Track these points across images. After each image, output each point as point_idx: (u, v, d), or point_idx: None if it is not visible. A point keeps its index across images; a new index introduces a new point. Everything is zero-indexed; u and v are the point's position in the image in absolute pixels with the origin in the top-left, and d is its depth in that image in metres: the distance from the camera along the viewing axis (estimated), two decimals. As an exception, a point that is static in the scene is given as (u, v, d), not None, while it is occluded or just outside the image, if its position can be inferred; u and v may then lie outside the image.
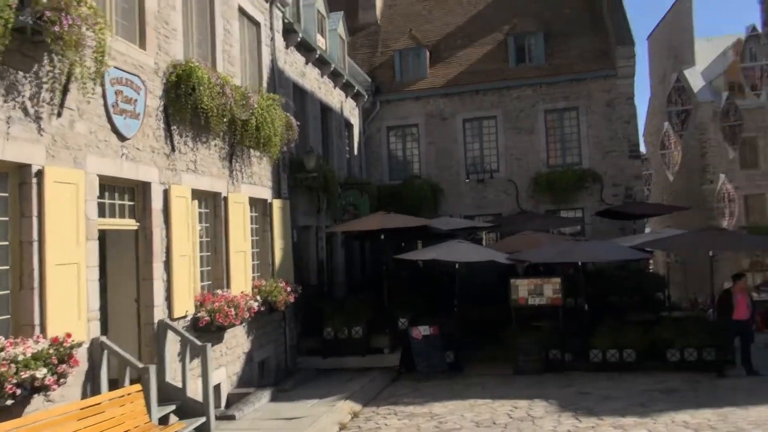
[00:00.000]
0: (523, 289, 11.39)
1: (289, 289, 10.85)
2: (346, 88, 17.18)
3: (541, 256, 11.09)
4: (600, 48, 18.64)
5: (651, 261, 23.84)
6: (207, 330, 8.56)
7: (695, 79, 31.44)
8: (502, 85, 18.60)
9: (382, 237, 12.23)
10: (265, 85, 11.36)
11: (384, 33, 21.62)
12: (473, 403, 9.07)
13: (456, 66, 19.59)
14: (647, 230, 21.51)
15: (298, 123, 11.49)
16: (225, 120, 8.96)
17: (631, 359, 10.74)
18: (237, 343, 9.79)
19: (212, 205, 9.52)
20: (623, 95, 17.83)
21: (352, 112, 18.10)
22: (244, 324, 9.62)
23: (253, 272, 10.65)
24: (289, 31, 12.41)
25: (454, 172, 18.92)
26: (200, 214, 9.24)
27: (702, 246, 10.93)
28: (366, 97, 18.70)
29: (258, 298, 9.94)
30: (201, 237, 9.20)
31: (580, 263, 11.63)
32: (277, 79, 11.92)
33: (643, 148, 34.83)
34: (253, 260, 10.62)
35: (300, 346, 12.54)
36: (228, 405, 9.08)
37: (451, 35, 20.80)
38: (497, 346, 11.97)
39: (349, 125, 17.84)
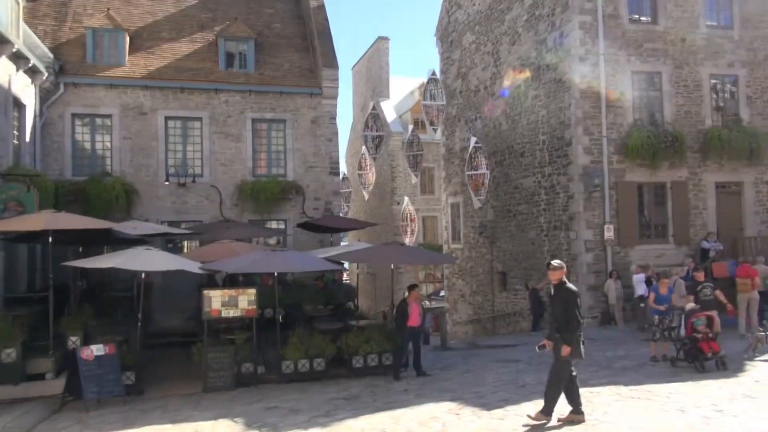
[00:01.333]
0: (216, 300, 10.73)
1: None
2: (18, 60, 14.25)
3: (236, 266, 10.62)
4: (308, 67, 19.27)
5: (347, 272, 25.58)
6: None
7: (389, 111, 35.34)
8: (210, 86, 17.75)
9: (50, 240, 10.20)
10: None
11: (75, 6, 18.79)
12: (148, 430, 8.03)
13: (160, 58, 18.04)
14: (343, 243, 22.96)
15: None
16: None
17: (321, 368, 10.97)
18: None
19: None
20: (327, 114, 18.69)
21: (25, 90, 15.10)
22: None
23: None
24: (-72, -29, 9.63)
25: (153, 173, 17.31)
26: None
27: (385, 258, 11.87)
28: (46, 75, 15.84)
29: None
30: None
31: (276, 273, 11.52)
32: None
33: (345, 168, 37.69)
34: None
35: None
36: None
37: (156, 24, 19.16)
38: (191, 362, 11.07)
39: (20, 105, 14.83)
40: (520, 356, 12.91)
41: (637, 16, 17.82)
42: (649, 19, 17.96)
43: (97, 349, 9.49)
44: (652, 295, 10.92)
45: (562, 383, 7.22)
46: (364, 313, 15.51)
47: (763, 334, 10.83)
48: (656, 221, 17.59)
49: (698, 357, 9.93)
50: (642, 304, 15.28)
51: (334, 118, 18.75)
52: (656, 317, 10.75)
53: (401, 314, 11.06)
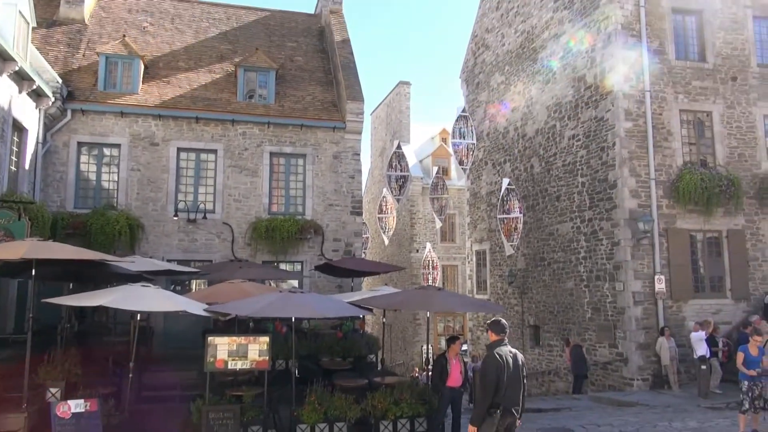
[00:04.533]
0: (222, 349, 9.11)
1: None
2: (22, 81, 13.24)
3: (249, 309, 9.06)
4: (331, 100, 18.20)
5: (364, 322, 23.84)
6: None
7: (409, 156, 34.20)
8: (227, 117, 16.62)
9: (33, 273, 8.74)
10: None
11: (91, 35, 18.00)
12: None
13: (176, 88, 17.03)
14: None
15: None
16: None
17: (341, 434, 9.24)
18: None
19: None
20: (350, 150, 17.46)
21: (27, 113, 14.03)
22: None
23: None
24: None
25: (161, 207, 16.00)
26: None
27: (425, 305, 10.21)
28: (52, 100, 14.81)
29: None
30: None
31: (293, 319, 9.95)
32: None
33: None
34: None
35: None
36: None
37: (174, 54, 18.28)
38: (190, 421, 9.37)
39: (20, 128, 13.72)
40: (569, 424, 11.08)
41: (683, 53, 16.70)
42: (696, 56, 16.82)
43: (75, 405, 7.87)
44: (741, 356, 9.16)
45: None
46: (390, 368, 13.75)
47: None
48: (711, 273, 15.88)
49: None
50: (703, 366, 13.50)
51: (357, 154, 17.48)
52: (745, 383, 8.99)
53: (439, 372, 9.37)
